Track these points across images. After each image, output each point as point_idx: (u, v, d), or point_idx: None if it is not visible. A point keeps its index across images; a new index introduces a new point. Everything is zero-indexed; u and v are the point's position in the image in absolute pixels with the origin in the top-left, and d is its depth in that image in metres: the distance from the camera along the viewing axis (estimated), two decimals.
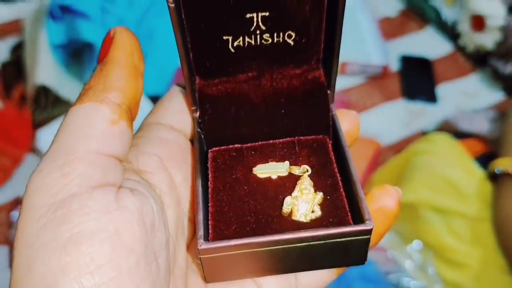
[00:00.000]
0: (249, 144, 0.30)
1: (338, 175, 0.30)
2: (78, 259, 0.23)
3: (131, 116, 0.26)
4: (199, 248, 0.26)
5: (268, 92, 0.28)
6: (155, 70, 1.17)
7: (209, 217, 0.29)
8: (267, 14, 0.24)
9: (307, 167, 0.30)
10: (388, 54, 1.23)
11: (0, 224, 0.96)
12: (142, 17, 1.21)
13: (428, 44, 1.31)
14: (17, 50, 1.17)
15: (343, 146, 0.28)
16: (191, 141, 0.30)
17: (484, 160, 0.96)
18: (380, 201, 0.28)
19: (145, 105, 1.16)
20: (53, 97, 1.07)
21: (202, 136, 0.30)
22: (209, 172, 0.30)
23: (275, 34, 0.25)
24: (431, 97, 1.20)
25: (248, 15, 0.24)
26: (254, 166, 0.30)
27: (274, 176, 0.29)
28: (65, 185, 0.24)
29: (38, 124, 1.08)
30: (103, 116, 0.24)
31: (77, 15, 1.08)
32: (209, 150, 0.31)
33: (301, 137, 0.30)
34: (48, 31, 1.09)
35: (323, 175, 0.30)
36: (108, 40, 0.26)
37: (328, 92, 0.30)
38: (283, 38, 0.25)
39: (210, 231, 0.28)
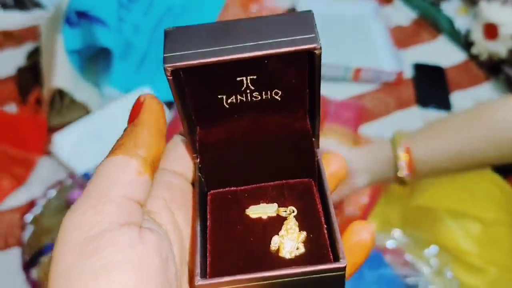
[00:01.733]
0: (242, 187, 0.34)
1: (321, 215, 0.33)
2: (107, 286, 0.27)
3: (154, 168, 0.31)
4: (196, 284, 0.29)
5: (260, 140, 0.32)
6: None
7: (207, 255, 0.32)
8: (255, 77, 0.28)
9: (293, 208, 0.34)
10: (402, 62, 1.22)
11: (14, 226, 0.94)
12: (157, 24, 1.21)
13: (441, 53, 1.29)
14: (33, 55, 1.17)
15: (325, 189, 0.32)
16: (192, 184, 0.34)
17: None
18: (358, 236, 0.32)
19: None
20: (68, 100, 1.06)
21: (202, 179, 0.33)
22: (208, 212, 0.33)
23: (263, 93, 0.29)
24: (445, 105, 1.19)
25: (238, 78, 0.28)
26: (247, 207, 0.34)
27: (264, 217, 0.33)
28: (97, 223, 0.28)
29: (52, 128, 1.08)
30: (132, 168, 0.29)
31: (93, 21, 1.08)
32: (208, 192, 0.34)
33: (289, 180, 0.34)
34: (65, 37, 1.09)
35: (308, 215, 0.33)
36: (138, 105, 0.31)
37: (313, 139, 0.33)
38: (271, 95, 0.29)
39: (207, 268, 0.31)
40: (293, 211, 0.33)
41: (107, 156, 0.30)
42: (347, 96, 1.17)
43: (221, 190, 0.34)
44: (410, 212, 0.90)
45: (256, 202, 0.34)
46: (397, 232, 0.91)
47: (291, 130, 0.32)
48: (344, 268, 0.29)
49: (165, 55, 0.28)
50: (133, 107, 0.30)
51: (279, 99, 0.29)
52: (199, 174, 0.33)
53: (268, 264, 0.31)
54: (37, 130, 1.06)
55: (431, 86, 1.22)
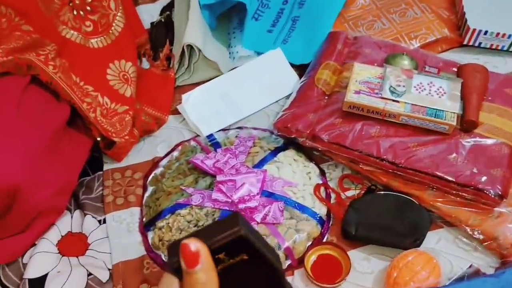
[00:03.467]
0: None
1: None
2: None
3: None
4: None
5: (242, 281, 0.41)
6: (303, 39, 1.00)
7: None
8: (225, 253, 0.38)
9: None
10: None
11: (135, 185, 0.85)
12: None
13: None
14: (167, 9, 1.07)
15: None
16: None
17: None
18: None
19: (291, 76, 1.01)
20: (198, 58, 0.94)
21: None
22: None
23: (235, 258, 0.39)
24: None
25: (216, 256, 0.38)
26: None
27: None
28: None
29: (180, 87, 0.97)
30: None
31: None
32: None
33: None
34: None
35: None
36: (192, 253, 0.36)
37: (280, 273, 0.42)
38: (241, 258, 0.39)
39: None
40: None
41: None
42: None
43: None
44: None
45: None
46: None
47: (259, 273, 0.40)
48: None
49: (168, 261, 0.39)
50: (188, 253, 0.36)
51: (247, 257, 0.38)
52: None
53: None
54: (166, 88, 0.96)
55: None
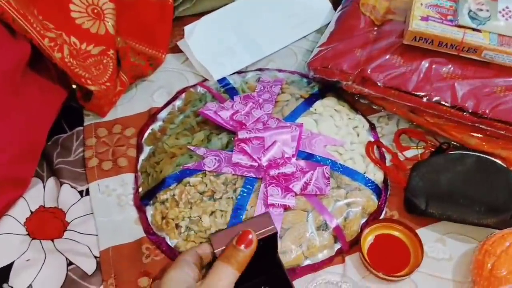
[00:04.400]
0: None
1: None
2: None
3: None
4: None
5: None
6: None
7: None
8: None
9: None
10: None
11: (127, 144, 0.65)
12: None
13: None
14: None
15: None
16: None
17: None
18: None
19: (322, 4, 0.79)
20: None
21: None
22: None
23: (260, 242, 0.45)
24: None
25: None
26: None
27: None
28: None
29: (181, 18, 0.75)
30: (235, 277, 0.44)
31: None
32: None
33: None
34: None
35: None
36: (248, 235, 0.45)
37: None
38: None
39: None
40: None
41: (223, 260, 0.44)
42: None
43: None
44: None
45: None
46: None
47: (263, 252, 0.45)
48: None
49: (215, 250, 0.45)
50: (244, 233, 0.44)
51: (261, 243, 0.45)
52: None
53: None
54: (162, 19, 0.74)
55: None
